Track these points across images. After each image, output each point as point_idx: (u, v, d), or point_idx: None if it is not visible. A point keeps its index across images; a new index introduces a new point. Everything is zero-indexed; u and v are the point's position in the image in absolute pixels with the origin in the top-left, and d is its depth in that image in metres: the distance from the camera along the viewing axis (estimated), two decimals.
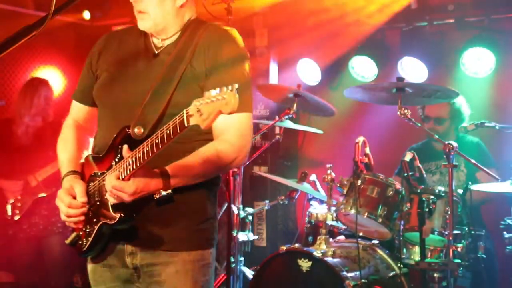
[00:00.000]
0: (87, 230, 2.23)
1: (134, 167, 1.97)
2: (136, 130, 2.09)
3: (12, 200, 4.53)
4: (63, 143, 2.44)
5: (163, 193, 1.98)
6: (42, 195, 4.58)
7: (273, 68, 5.72)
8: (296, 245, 3.75)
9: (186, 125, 1.79)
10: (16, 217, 4.52)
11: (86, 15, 5.61)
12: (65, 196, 2.22)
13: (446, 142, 3.21)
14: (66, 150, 2.40)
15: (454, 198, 3.33)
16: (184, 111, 1.79)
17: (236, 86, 1.75)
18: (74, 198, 2.22)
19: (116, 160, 2.13)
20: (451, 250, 3.22)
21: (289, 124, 4.34)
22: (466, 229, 3.49)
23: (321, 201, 4.15)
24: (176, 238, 2.20)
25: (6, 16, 5.21)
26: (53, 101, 4.84)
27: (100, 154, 2.26)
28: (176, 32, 2.30)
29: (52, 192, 4.60)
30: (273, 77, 5.72)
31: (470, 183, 3.55)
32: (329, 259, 3.50)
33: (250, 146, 2.24)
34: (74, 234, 2.28)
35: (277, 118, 4.28)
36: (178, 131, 1.82)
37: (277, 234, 5.64)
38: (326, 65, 5.34)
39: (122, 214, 2.10)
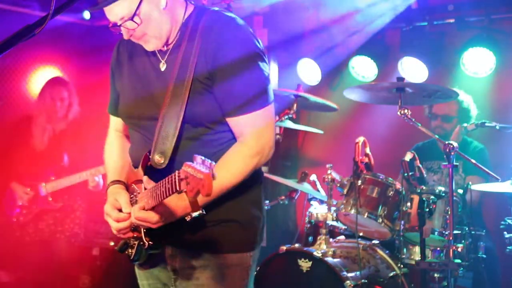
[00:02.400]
0: (131, 241, 2.22)
1: (149, 206, 2.00)
2: (156, 158, 2.08)
3: (19, 204, 4.53)
4: (107, 153, 2.43)
5: (194, 214, 1.86)
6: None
7: (273, 68, 5.72)
8: (296, 245, 3.76)
9: (178, 189, 1.78)
10: (20, 223, 4.52)
11: (86, 15, 5.61)
12: (111, 211, 2.17)
13: (446, 142, 3.21)
14: (110, 160, 2.39)
15: (454, 198, 3.33)
16: (176, 174, 1.78)
17: (214, 163, 1.70)
18: (120, 210, 2.16)
19: (143, 188, 2.13)
20: (451, 250, 3.22)
21: (289, 124, 4.34)
22: (467, 229, 3.49)
23: (321, 201, 4.15)
24: (216, 239, 2.16)
25: (11, 17, 5.20)
26: (75, 100, 4.73)
27: (135, 166, 2.24)
28: (177, 32, 2.19)
29: (59, 207, 4.58)
30: (273, 78, 5.72)
31: (470, 183, 3.56)
32: (329, 259, 3.50)
33: (273, 139, 2.15)
34: (122, 242, 2.24)
35: (277, 118, 4.27)
36: (172, 193, 1.83)
37: (277, 234, 5.64)
38: (326, 65, 5.34)
39: (150, 242, 2.13)
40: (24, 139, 4.63)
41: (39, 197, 4.53)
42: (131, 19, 2.07)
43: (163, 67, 2.18)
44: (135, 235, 2.19)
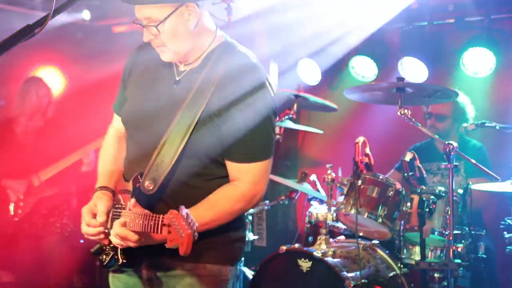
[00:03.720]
0: (107, 249, 2.25)
1: (131, 229, 2.06)
2: (146, 184, 2.10)
3: (15, 200, 4.54)
4: (102, 154, 2.44)
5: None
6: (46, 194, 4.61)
7: (273, 68, 5.72)
8: (296, 245, 3.75)
9: (159, 233, 1.92)
10: (18, 217, 4.53)
11: (86, 15, 5.61)
12: (86, 214, 2.21)
13: (447, 142, 3.21)
14: (103, 163, 2.40)
15: (454, 198, 3.33)
16: (160, 218, 1.91)
17: (197, 224, 1.82)
18: (95, 216, 2.20)
19: (128, 204, 2.16)
20: (451, 250, 3.22)
21: (289, 124, 4.34)
22: (467, 229, 3.49)
23: (321, 201, 4.15)
24: (195, 251, 2.12)
25: (11, 17, 5.20)
26: (52, 98, 4.89)
27: (126, 178, 2.27)
28: (199, 56, 2.21)
29: (55, 193, 4.61)
30: (273, 78, 5.71)
31: (470, 182, 3.55)
32: (329, 259, 3.50)
33: (265, 189, 2.22)
34: (98, 246, 2.27)
35: (277, 118, 4.26)
36: (152, 232, 1.96)
37: (277, 234, 5.64)
38: (326, 65, 5.33)
39: (124, 260, 2.18)
40: (8, 138, 4.69)
41: (33, 188, 4.55)
42: (156, 26, 2.09)
43: (177, 84, 2.21)
44: (111, 245, 2.21)
